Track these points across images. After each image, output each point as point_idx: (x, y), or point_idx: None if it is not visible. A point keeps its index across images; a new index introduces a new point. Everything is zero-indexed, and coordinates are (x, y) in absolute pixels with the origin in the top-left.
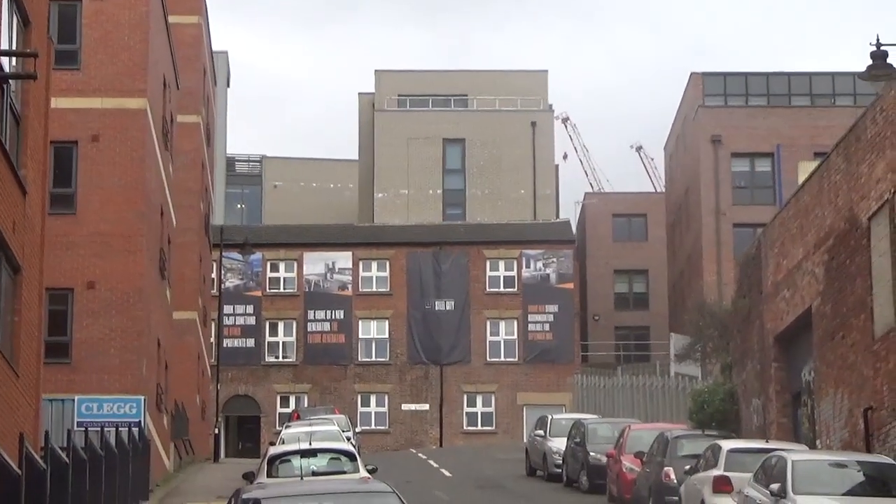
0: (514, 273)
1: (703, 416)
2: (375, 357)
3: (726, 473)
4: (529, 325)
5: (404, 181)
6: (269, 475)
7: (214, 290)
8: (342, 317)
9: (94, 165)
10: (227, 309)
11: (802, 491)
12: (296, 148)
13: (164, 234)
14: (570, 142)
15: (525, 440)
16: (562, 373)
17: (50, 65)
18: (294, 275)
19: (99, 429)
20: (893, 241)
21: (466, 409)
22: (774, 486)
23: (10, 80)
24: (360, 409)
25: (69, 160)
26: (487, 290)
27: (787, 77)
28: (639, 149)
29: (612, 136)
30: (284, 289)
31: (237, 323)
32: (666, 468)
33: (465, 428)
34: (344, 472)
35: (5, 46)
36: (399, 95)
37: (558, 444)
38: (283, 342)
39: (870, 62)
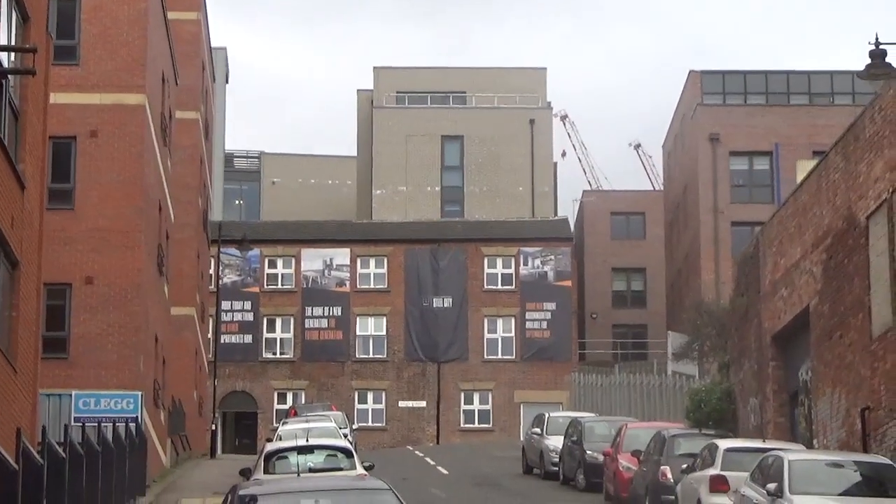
0: (511, 270)
1: (700, 414)
2: (373, 354)
3: (723, 473)
4: (527, 322)
5: (402, 178)
6: (265, 472)
7: (212, 286)
8: (340, 313)
9: (93, 161)
10: (225, 305)
11: (799, 490)
12: (294, 144)
13: (163, 230)
14: (569, 139)
15: (522, 438)
16: (559, 371)
17: (49, 60)
18: (292, 271)
19: (96, 424)
20: (891, 240)
21: (463, 407)
22: (771, 486)
23: (8, 76)
24: (358, 405)
25: (68, 155)
26: (485, 287)
27: (786, 75)
28: (637, 147)
29: (611, 134)
30: (282, 285)
31: (235, 319)
32: (663, 467)
33: (461, 425)
34: (340, 469)
35: (4, 42)
36: (398, 92)
37: (555, 442)
38: (281, 338)
39: (869, 61)
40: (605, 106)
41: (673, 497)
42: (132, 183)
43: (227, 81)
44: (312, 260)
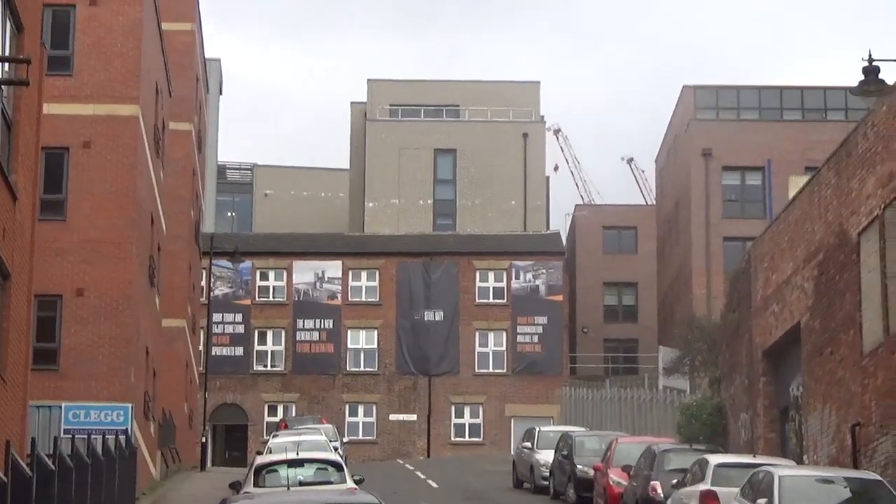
0: (503, 284)
1: (690, 430)
2: (364, 367)
3: (713, 488)
4: (518, 336)
5: (395, 191)
6: (255, 484)
7: (204, 298)
8: (331, 326)
9: (85, 172)
10: (216, 317)
11: None
12: (287, 157)
13: (154, 242)
14: (562, 153)
15: (512, 452)
16: (550, 385)
17: (42, 71)
18: (283, 283)
19: (86, 436)
20: (883, 256)
21: (454, 420)
22: (761, 501)
23: (2, 86)
24: (348, 419)
25: (60, 166)
26: (477, 300)
27: (779, 91)
28: (630, 161)
29: (604, 149)
30: (274, 297)
31: (226, 331)
32: (653, 482)
33: (452, 439)
34: (331, 483)
35: None
36: (391, 105)
37: (546, 456)
38: (272, 351)
39: (862, 77)
40: (598, 120)
41: None
42: (124, 194)
43: (220, 93)
44: (304, 272)
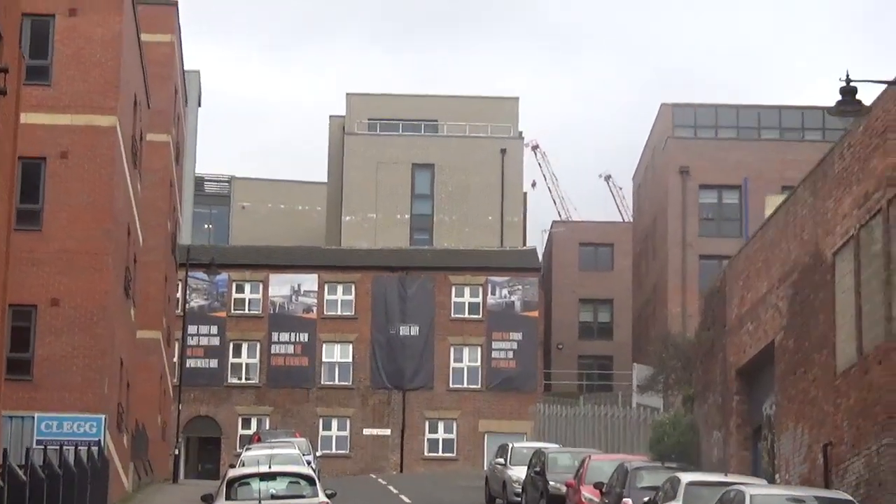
0: (479, 300)
1: (663, 447)
2: (338, 381)
3: None
4: (493, 352)
5: (372, 205)
6: (227, 497)
7: (179, 310)
8: (306, 340)
9: (62, 182)
10: (192, 329)
11: None
12: (265, 169)
13: (131, 253)
14: (540, 169)
15: (485, 468)
16: (524, 401)
17: (21, 80)
18: (259, 296)
19: (58, 447)
20: (858, 276)
21: (428, 436)
22: None
23: None
24: (322, 432)
25: (37, 176)
26: (452, 316)
27: (757, 110)
28: (608, 178)
29: (582, 165)
30: (249, 310)
31: (201, 343)
32: (625, 499)
33: (425, 454)
34: (303, 497)
35: None
36: (369, 119)
37: (518, 472)
38: (247, 364)
39: (839, 98)
40: (576, 137)
41: None
42: (101, 205)
43: (199, 105)
44: (280, 285)
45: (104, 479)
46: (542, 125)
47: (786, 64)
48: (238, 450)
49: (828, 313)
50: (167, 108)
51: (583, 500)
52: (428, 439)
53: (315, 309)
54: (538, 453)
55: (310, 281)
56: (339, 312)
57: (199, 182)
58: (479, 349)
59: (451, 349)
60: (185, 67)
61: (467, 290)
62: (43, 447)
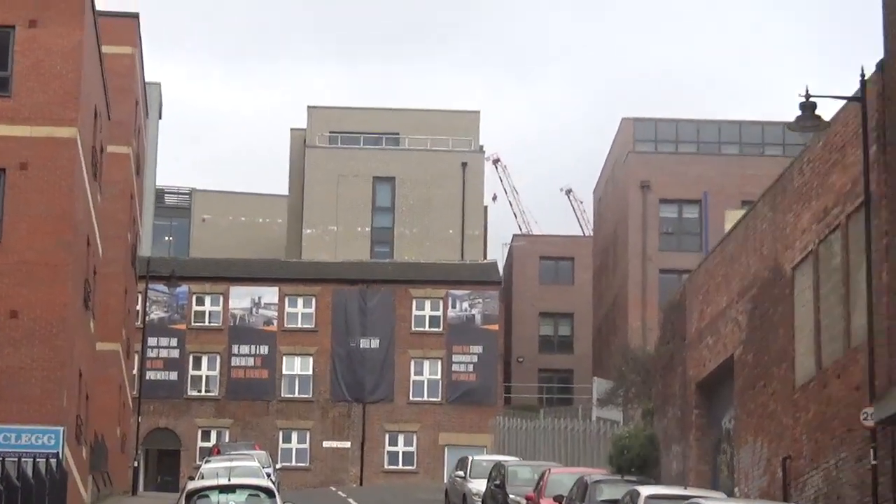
0: (439, 313)
1: (623, 460)
2: (298, 393)
3: None
4: (453, 365)
5: (333, 218)
6: None
7: (139, 322)
8: (266, 352)
9: (22, 193)
10: (151, 341)
11: None
12: (226, 182)
13: (90, 265)
14: (500, 183)
15: (445, 481)
16: (484, 414)
17: None
18: (219, 309)
19: (16, 459)
20: (817, 291)
21: (388, 448)
22: None
23: None
24: (282, 445)
25: None
26: (413, 329)
27: (718, 125)
28: (568, 192)
29: (543, 179)
30: (209, 322)
31: (160, 355)
32: None
33: (385, 467)
34: None
35: None
36: (331, 132)
37: (478, 485)
38: (207, 376)
39: (799, 113)
40: (536, 151)
41: None
42: (61, 217)
43: (160, 117)
44: (240, 298)
45: (62, 492)
46: (503, 139)
47: (746, 79)
48: (197, 462)
49: (787, 327)
50: (128, 119)
51: None
52: (388, 452)
53: (275, 321)
54: (498, 466)
55: (270, 293)
56: (299, 325)
57: (160, 194)
58: (440, 362)
59: (412, 362)
60: (146, 79)
61: (428, 304)
62: (1, 459)
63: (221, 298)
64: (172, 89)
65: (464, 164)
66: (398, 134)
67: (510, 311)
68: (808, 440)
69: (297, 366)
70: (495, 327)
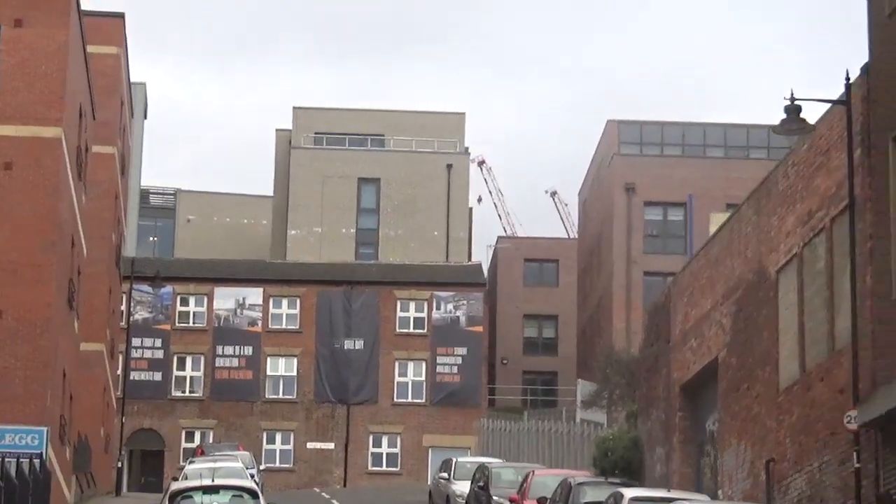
0: (424, 314)
1: (606, 463)
2: (282, 394)
3: None
4: (438, 366)
5: (318, 219)
6: None
7: (123, 323)
8: (251, 353)
9: (6, 193)
10: (136, 341)
11: None
12: (211, 183)
13: (75, 265)
14: (486, 185)
15: (429, 482)
16: (468, 416)
17: None
18: (204, 309)
19: (0, 459)
20: (801, 294)
21: (372, 450)
22: None
23: None
24: (266, 446)
25: None
26: (397, 330)
27: (703, 128)
28: (553, 194)
29: (528, 181)
30: (194, 323)
31: (145, 356)
32: None
33: (369, 468)
34: None
35: None
36: (316, 133)
37: (462, 487)
38: (191, 377)
39: (784, 116)
40: (522, 153)
41: None
42: (45, 217)
43: (145, 117)
44: (225, 299)
45: (46, 492)
46: (488, 141)
47: (731, 82)
48: (181, 463)
49: (771, 330)
50: (113, 119)
51: None
52: (372, 453)
53: (260, 322)
54: (482, 468)
55: (254, 294)
56: (283, 326)
57: (145, 194)
58: (424, 364)
59: (396, 363)
60: (132, 79)
61: (412, 305)
62: None
63: (206, 299)
64: (157, 89)
65: (449, 166)
66: (383, 135)
67: (495, 313)
68: (792, 443)
69: (281, 367)
70: (480, 329)
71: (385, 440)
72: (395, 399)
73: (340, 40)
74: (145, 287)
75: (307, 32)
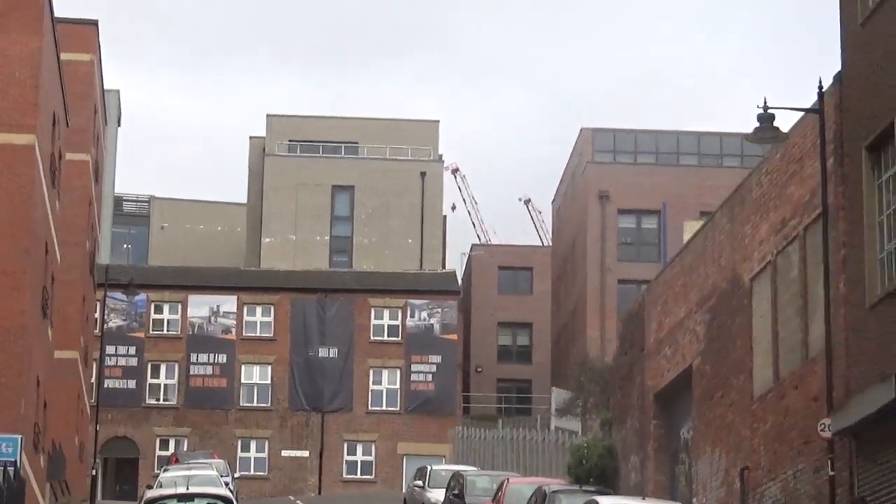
0: (398, 322)
1: (581, 471)
2: (257, 402)
3: None
4: (412, 374)
5: (292, 226)
6: None
7: (97, 330)
8: (225, 361)
9: None
10: (110, 349)
11: None
12: (185, 190)
13: (48, 272)
14: (460, 193)
15: (404, 490)
16: (443, 424)
17: None
18: (178, 317)
19: None
20: (774, 302)
21: (346, 458)
22: None
23: None
24: (240, 454)
25: None
26: (371, 338)
27: (676, 136)
28: (527, 202)
29: (501, 189)
30: (168, 331)
31: (119, 364)
32: None
33: (344, 476)
34: None
35: None
36: (290, 141)
37: (437, 495)
38: (165, 384)
39: (757, 124)
40: (495, 161)
41: None
42: (19, 224)
43: (119, 124)
44: (199, 306)
45: (20, 500)
46: (462, 149)
47: (704, 90)
48: (156, 471)
49: (745, 338)
50: (87, 126)
51: None
52: (346, 461)
53: (234, 330)
54: (457, 476)
55: (229, 302)
56: (258, 334)
57: (119, 202)
58: (398, 372)
59: (371, 371)
60: (105, 86)
61: (386, 313)
62: None
63: (180, 307)
64: (132, 97)
65: (423, 174)
66: (357, 143)
67: (469, 321)
68: (766, 451)
69: (255, 374)
70: (454, 337)
71: (360, 448)
72: (370, 407)
73: (316, 49)
74: (119, 294)
75: (282, 41)
